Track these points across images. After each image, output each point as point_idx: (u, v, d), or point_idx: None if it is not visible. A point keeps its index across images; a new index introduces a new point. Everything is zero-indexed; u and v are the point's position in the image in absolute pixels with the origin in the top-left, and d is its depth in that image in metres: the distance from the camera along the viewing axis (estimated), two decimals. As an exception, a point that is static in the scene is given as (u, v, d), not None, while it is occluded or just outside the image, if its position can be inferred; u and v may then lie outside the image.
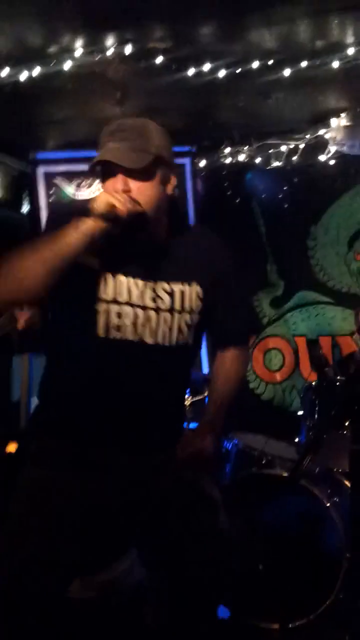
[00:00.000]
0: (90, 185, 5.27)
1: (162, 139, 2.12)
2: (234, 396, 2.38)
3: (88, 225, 1.96)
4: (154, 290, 2.13)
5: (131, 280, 2.11)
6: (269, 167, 5.17)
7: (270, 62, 3.95)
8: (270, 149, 5.11)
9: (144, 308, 2.12)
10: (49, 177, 5.23)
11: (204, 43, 3.79)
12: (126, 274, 2.11)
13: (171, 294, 2.15)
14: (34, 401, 5.55)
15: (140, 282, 2.12)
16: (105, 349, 2.11)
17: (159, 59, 3.86)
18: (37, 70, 3.87)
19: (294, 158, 5.09)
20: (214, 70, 4.00)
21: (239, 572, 3.32)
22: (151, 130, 2.10)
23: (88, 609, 3.15)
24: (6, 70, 3.88)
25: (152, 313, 2.12)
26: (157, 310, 2.13)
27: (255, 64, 3.95)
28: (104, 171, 2.10)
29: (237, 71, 4.00)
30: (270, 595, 3.26)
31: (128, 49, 3.74)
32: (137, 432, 2.15)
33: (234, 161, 5.21)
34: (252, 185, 5.28)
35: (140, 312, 2.11)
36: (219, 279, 2.25)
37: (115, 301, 2.10)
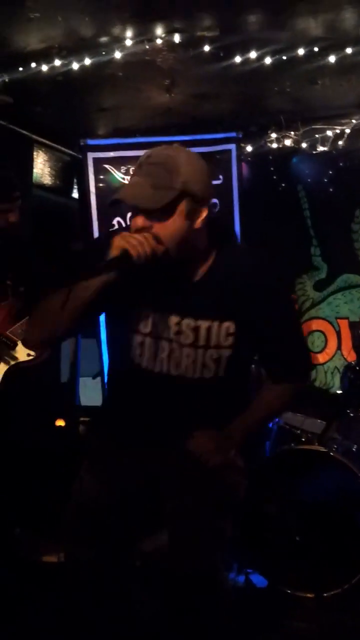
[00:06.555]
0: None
1: (193, 171, 2.01)
2: (264, 425, 2.39)
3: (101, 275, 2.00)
4: (178, 325, 2.14)
5: (158, 314, 2.14)
6: (315, 152, 5.20)
7: (316, 49, 3.96)
8: (316, 134, 5.13)
9: (169, 341, 2.15)
10: (99, 163, 5.34)
11: (251, 31, 3.81)
12: (155, 309, 2.14)
13: (196, 330, 2.13)
14: (82, 381, 5.75)
15: (166, 316, 2.14)
16: (131, 376, 2.21)
17: (207, 47, 3.92)
18: (88, 60, 3.97)
19: (340, 143, 5.10)
20: (260, 58, 4.04)
21: (277, 542, 3.46)
22: (180, 162, 1.99)
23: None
24: (59, 61, 4.01)
25: (176, 346, 2.14)
26: (180, 344, 2.14)
27: (301, 51, 3.96)
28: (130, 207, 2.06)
29: (283, 58, 4.02)
30: (306, 566, 3.39)
31: (177, 38, 3.80)
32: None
33: (280, 146, 5.23)
34: (298, 169, 5.31)
35: (164, 344, 2.15)
36: (261, 313, 2.14)
37: (138, 332, 2.16)
